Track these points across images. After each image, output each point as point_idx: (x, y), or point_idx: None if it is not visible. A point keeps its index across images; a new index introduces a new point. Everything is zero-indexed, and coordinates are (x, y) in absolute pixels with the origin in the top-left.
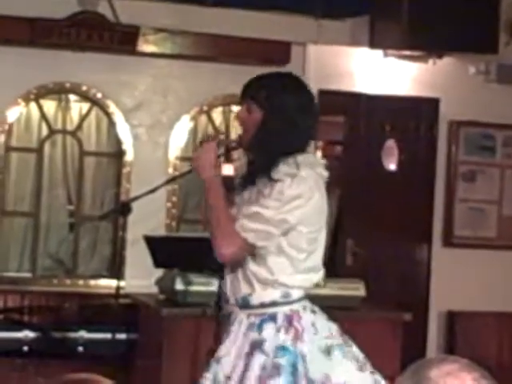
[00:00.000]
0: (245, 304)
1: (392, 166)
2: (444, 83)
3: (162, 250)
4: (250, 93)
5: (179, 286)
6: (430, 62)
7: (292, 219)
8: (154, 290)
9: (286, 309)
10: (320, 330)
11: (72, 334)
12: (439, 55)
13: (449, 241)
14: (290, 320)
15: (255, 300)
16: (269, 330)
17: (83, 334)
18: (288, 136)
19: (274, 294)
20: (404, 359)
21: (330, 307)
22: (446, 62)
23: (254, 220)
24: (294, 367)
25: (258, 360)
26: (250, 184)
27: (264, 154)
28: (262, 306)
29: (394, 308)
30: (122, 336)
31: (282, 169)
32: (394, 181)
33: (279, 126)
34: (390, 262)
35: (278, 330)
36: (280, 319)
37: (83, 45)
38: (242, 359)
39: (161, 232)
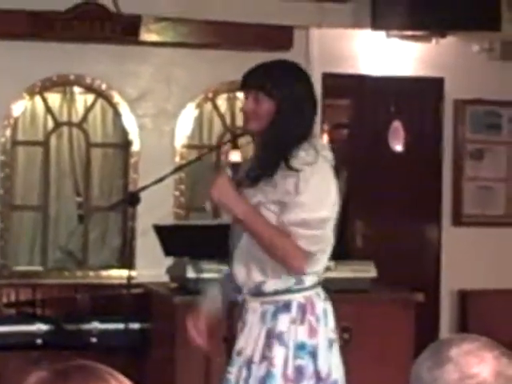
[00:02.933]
0: (258, 292)
1: (399, 147)
2: (448, 62)
3: (172, 239)
4: (256, 83)
5: (190, 273)
6: (433, 41)
7: (326, 214)
8: (165, 278)
9: (299, 296)
10: (329, 321)
11: (85, 326)
12: (442, 34)
13: (458, 220)
14: (303, 310)
15: (269, 287)
16: (284, 320)
17: (96, 325)
18: (300, 123)
19: (288, 281)
20: (417, 339)
21: (342, 290)
22: (449, 41)
23: (302, 227)
24: (314, 364)
25: (279, 353)
26: (267, 176)
27: (282, 143)
28: (276, 293)
29: (406, 289)
30: (135, 326)
31: (300, 155)
32: (402, 162)
33: (293, 113)
34: (400, 243)
35: (294, 322)
36: (294, 309)
37: (85, 36)
38: (259, 349)
39: (170, 221)
